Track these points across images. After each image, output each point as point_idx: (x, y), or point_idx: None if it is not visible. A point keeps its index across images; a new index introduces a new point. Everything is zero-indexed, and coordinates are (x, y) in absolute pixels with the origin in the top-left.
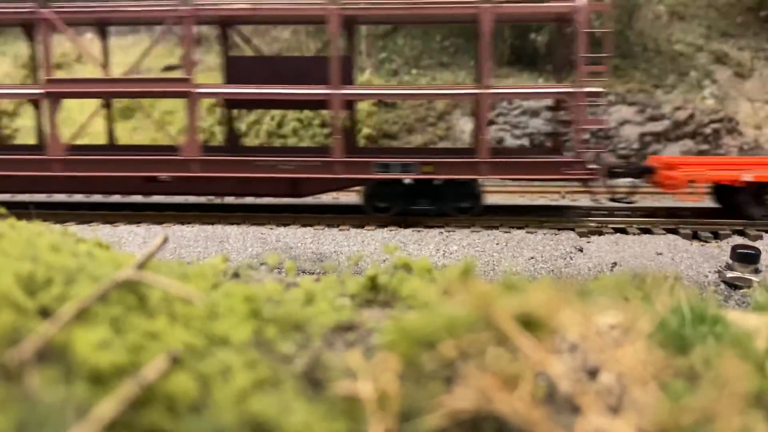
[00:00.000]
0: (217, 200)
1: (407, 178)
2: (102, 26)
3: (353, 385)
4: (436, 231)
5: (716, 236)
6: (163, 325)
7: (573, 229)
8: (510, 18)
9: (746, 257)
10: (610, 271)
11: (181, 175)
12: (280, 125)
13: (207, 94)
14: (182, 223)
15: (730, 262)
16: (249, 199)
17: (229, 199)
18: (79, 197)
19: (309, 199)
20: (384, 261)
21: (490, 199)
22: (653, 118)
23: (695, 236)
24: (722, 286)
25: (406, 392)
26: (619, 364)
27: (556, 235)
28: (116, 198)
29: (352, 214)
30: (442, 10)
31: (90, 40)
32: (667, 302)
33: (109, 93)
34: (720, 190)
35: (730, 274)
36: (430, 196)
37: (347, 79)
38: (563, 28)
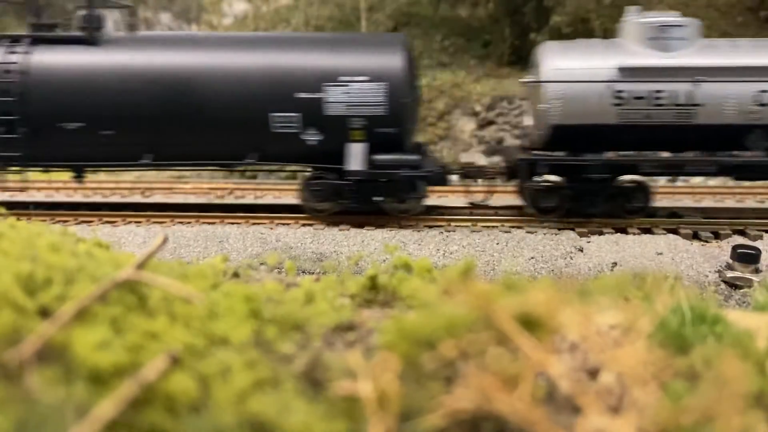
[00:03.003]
0: (217, 200)
1: None
2: None
3: (353, 385)
4: (436, 231)
5: (717, 236)
6: (163, 325)
7: (573, 229)
8: None
9: (747, 257)
10: (610, 271)
11: None
12: None
13: None
14: (182, 223)
15: (731, 261)
16: (249, 199)
17: (229, 199)
18: (78, 197)
19: None
20: (384, 261)
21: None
22: None
23: (696, 236)
24: (722, 285)
25: (406, 392)
26: (619, 364)
27: (556, 235)
28: (116, 198)
29: (351, 214)
30: None
31: None
32: (667, 302)
33: None
34: None
35: (730, 274)
36: None
37: None
38: None
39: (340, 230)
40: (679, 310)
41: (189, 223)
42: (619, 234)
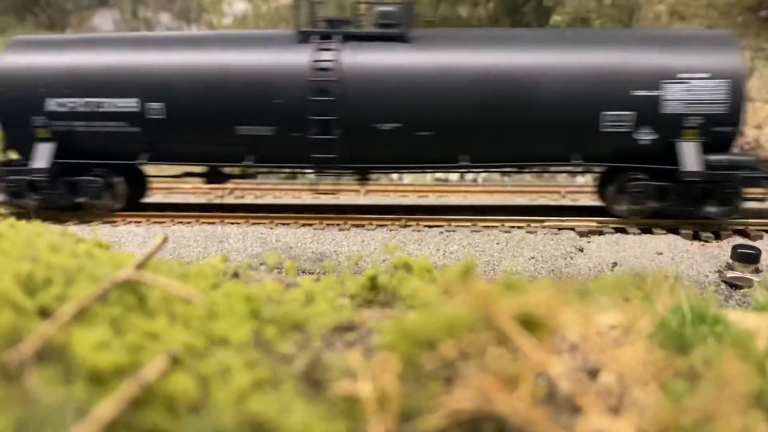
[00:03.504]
0: (217, 200)
1: None
2: None
3: (353, 385)
4: (436, 231)
5: (717, 236)
6: (163, 325)
7: (573, 229)
8: None
9: (747, 257)
10: (610, 271)
11: None
12: None
13: None
14: (182, 223)
15: (731, 261)
16: (249, 199)
17: (229, 199)
18: None
19: (309, 199)
20: (384, 261)
21: (490, 199)
22: None
23: (696, 236)
24: (723, 286)
25: (406, 392)
26: (619, 364)
27: (556, 235)
28: None
29: (352, 214)
30: None
31: None
32: (667, 302)
33: None
34: None
35: (730, 274)
36: None
37: None
38: None
39: (340, 230)
40: (679, 310)
41: (189, 223)
42: (619, 234)
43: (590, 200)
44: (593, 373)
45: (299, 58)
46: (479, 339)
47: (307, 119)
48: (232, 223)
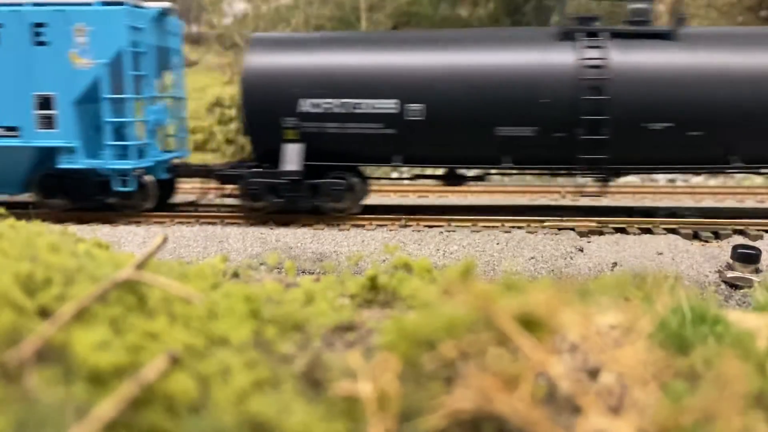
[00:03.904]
0: (217, 200)
1: None
2: None
3: (353, 386)
4: (436, 231)
5: (717, 236)
6: (163, 325)
7: (573, 229)
8: None
9: (747, 257)
10: (610, 271)
11: None
12: None
13: None
14: (182, 223)
15: (731, 261)
16: None
17: (229, 199)
18: None
19: None
20: (384, 261)
21: (490, 199)
22: None
23: (696, 236)
24: (723, 286)
25: (406, 392)
26: (620, 364)
27: (556, 235)
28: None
29: (351, 214)
30: None
31: None
32: (667, 302)
33: None
34: None
35: (730, 274)
36: None
37: None
38: None
39: (340, 230)
40: (680, 310)
41: (189, 223)
42: (619, 234)
43: (590, 200)
44: (593, 373)
45: (564, 56)
46: (479, 339)
47: (577, 119)
48: (232, 223)
